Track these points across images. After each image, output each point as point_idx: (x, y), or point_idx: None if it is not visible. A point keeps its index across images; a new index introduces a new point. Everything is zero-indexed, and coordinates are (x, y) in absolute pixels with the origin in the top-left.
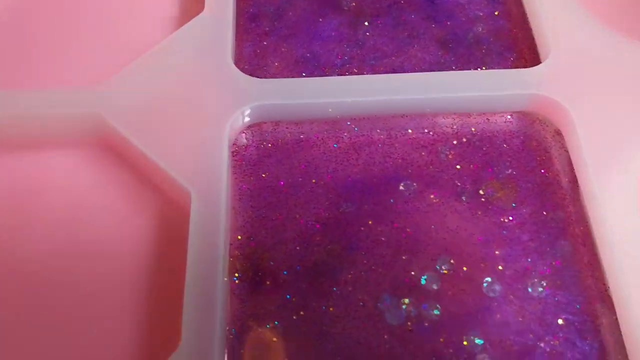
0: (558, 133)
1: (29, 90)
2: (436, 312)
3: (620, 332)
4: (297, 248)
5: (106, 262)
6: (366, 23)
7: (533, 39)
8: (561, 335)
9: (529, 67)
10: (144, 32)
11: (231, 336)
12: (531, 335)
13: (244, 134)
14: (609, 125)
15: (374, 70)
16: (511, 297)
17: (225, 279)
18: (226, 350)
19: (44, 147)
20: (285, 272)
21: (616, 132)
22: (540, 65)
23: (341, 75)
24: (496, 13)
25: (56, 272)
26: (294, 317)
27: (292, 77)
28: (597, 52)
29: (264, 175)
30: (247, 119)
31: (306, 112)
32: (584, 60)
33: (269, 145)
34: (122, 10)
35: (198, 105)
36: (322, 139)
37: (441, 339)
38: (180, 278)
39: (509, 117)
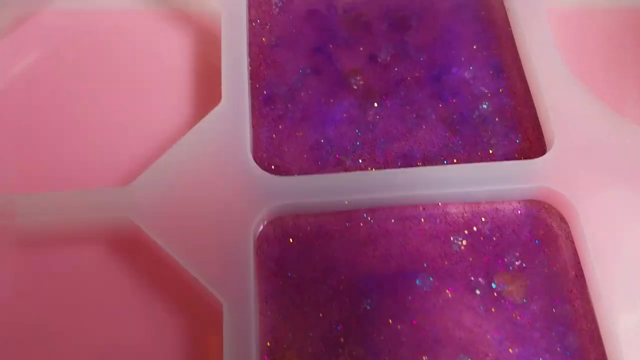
0: (563, 220)
1: (52, 193)
2: None
3: None
4: (324, 349)
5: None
6: (375, 104)
7: (537, 117)
8: None
9: (535, 148)
10: (163, 128)
11: None
12: None
13: (266, 228)
14: (614, 217)
15: (385, 155)
16: None
17: None
18: None
19: (70, 245)
20: None
21: (620, 224)
22: (544, 156)
23: (354, 161)
24: (500, 90)
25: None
26: None
27: (308, 165)
28: (603, 140)
29: (287, 273)
30: (268, 217)
31: (324, 207)
32: (589, 148)
33: (290, 239)
34: (137, 110)
35: (222, 207)
36: (340, 231)
37: None
38: None
39: (516, 204)
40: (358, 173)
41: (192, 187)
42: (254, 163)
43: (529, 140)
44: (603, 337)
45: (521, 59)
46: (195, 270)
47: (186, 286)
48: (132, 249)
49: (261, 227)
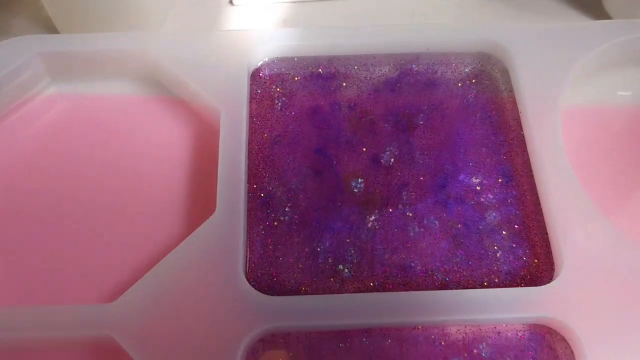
0: (569, 348)
1: (35, 307)
2: None
3: None
4: None
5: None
6: (376, 211)
7: (546, 232)
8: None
9: (542, 267)
10: (153, 239)
11: None
12: None
13: (254, 345)
14: (620, 348)
15: (384, 267)
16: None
17: None
18: None
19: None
20: None
21: (627, 355)
22: (551, 283)
23: (351, 272)
24: (509, 200)
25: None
26: None
27: (303, 277)
28: (613, 267)
29: None
30: (258, 337)
31: (317, 326)
32: (597, 276)
33: (280, 359)
34: (128, 219)
35: (209, 327)
36: (333, 352)
37: None
38: None
39: (520, 327)
40: (355, 295)
41: (179, 306)
42: (246, 282)
43: (536, 258)
44: None
45: (532, 168)
46: None
47: None
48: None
49: (253, 341)
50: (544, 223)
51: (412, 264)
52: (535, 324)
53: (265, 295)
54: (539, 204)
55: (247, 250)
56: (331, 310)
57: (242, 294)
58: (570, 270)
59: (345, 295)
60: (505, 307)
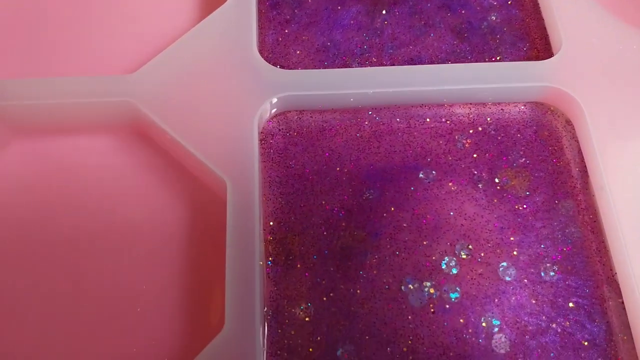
0: (569, 122)
1: (62, 78)
2: (456, 294)
3: (625, 314)
4: (325, 233)
5: (145, 244)
6: (384, 12)
7: (545, 28)
8: (571, 317)
9: (542, 57)
10: (170, 21)
11: (268, 317)
12: (544, 317)
13: (270, 123)
14: (618, 116)
15: (392, 60)
16: (525, 281)
17: (261, 262)
18: (263, 330)
19: (77, 132)
20: (315, 257)
21: (625, 123)
22: (552, 58)
23: (361, 64)
24: (509, 2)
25: (94, 254)
26: (324, 299)
27: (314, 65)
28: (608, 44)
29: (291, 164)
30: (274, 109)
31: (329, 102)
32: (594, 52)
33: (295, 133)
34: (146, 6)
35: (227, 95)
36: (345, 127)
37: (461, 320)
38: (217, 261)
39: (522, 107)
40: (363, 69)
41: (197, 77)
42: (260, 57)
43: (536, 49)
44: (605, 229)
45: None
46: (200, 152)
47: (190, 174)
48: (136, 136)
49: (267, 116)
50: (544, 22)
51: (420, 57)
52: (536, 102)
53: (279, 69)
54: (538, 5)
55: (258, 41)
56: (342, 81)
57: (257, 68)
58: (570, 48)
59: (354, 69)
60: (508, 78)
